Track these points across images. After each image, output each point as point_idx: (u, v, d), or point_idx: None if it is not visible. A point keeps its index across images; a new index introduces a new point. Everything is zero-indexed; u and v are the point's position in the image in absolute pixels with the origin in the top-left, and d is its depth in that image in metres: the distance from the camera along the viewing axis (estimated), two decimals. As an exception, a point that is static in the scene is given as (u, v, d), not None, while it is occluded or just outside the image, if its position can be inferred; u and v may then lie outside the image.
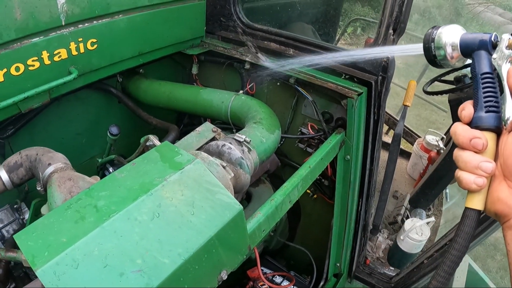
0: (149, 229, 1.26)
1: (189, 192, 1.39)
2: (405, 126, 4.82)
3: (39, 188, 1.69)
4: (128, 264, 1.18)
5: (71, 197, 1.43)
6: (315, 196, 2.99)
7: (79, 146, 2.86)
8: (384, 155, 4.40)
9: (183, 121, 3.30)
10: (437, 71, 2.66)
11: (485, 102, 0.92)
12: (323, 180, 2.83)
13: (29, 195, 2.45)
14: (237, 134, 1.87)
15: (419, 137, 4.91)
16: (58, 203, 1.47)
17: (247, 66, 2.74)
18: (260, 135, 1.98)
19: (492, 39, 0.98)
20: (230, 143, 1.78)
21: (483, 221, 2.30)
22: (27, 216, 2.18)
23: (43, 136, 2.63)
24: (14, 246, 1.99)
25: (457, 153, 0.91)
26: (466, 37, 1.06)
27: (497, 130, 0.91)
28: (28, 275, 2.09)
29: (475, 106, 0.94)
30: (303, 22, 3.66)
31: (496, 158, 0.90)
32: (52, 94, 2.18)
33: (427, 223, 3.43)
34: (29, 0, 1.87)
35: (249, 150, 1.83)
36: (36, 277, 1.92)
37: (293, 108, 2.78)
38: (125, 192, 1.35)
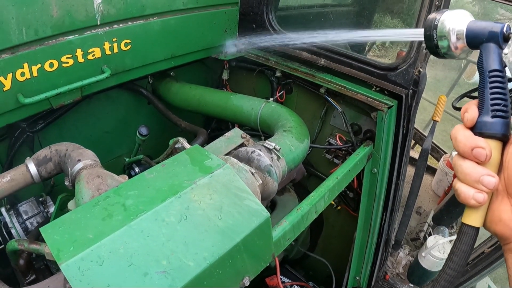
0: (176, 231, 1.26)
1: (217, 197, 1.39)
2: (433, 143, 4.77)
3: (67, 183, 1.71)
4: (153, 264, 1.17)
5: (99, 194, 1.46)
6: (338, 207, 2.96)
7: (106, 145, 2.90)
8: (409, 170, 4.35)
9: (211, 126, 3.32)
10: (467, 87, 2.62)
11: (492, 105, 0.81)
12: (348, 192, 2.80)
13: (54, 189, 2.49)
14: (267, 141, 1.86)
15: (445, 153, 4.84)
16: (85, 199, 1.48)
17: (278, 74, 2.75)
18: (290, 144, 1.96)
19: (504, 30, 0.86)
20: (260, 150, 1.77)
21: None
22: (51, 209, 2.21)
23: (72, 132, 2.67)
24: (38, 238, 2.02)
25: (456, 161, 0.82)
26: (474, 26, 0.93)
27: (504, 139, 0.81)
28: (49, 268, 2.12)
29: (480, 109, 0.83)
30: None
31: (499, 170, 0.81)
32: (84, 92, 2.21)
33: (450, 241, 3.37)
34: (66, -4, 1.92)
35: (278, 158, 1.82)
36: (57, 271, 1.95)
37: (322, 118, 2.76)
38: (154, 192, 1.35)
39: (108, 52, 2.16)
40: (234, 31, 2.87)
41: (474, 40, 0.92)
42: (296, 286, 2.89)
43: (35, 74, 1.95)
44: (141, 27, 2.25)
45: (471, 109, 0.83)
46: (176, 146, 1.91)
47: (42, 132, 2.48)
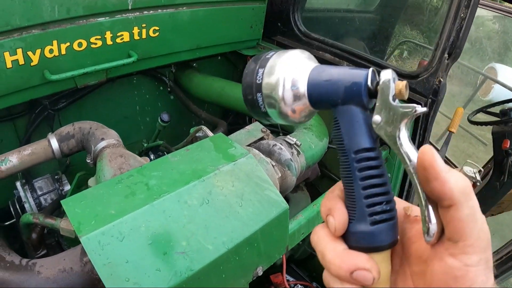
0: (197, 213, 1.28)
1: (239, 184, 1.40)
2: (446, 157, 4.77)
3: (88, 161, 1.73)
4: (173, 244, 1.19)
5: (121, 173, 1.48)
6: None
7: (124, 129, 2.91)
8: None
9: (229, 119, 3.33)
10: (481, 103, 2.63)
11: (369, 206, 0.56)
12: (359, 195, 2.81)
13: (69, 168, 2.52)
14: (288, 136, 1.88)
15: (456, 167, 4.84)
16: (107, 177, 1.50)
17: (299, 73, 2.74)
18: (310, 141, 1.98)
19: (369, 82, 0.58)
20: (281, 144, 1.79)
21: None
22: (66, 188, 2.23)
23: (92, 114, 2.68)
24: (52, 214, 2.04)
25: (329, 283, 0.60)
26: (320, 78, 0.63)
27: (393, 245, 0.57)
28: (61, 244, 2.14)
29: (352, 211, 0.57)
30: (357, 38, 3.66)
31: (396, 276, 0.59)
32: (109, 74, 2.25)
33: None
34: (102, -23, 1.94)
35: (298, 153, 1.83)
36: (68, 247, 1.97)
37: (340, 120, 2.75)
38: (177, 175, 1.37)
39: (136, 37, 2.18)
40: (260, 28, 2.90)
41: (322, 102, 0.63)
42: (300, 286, 2.90)
43: (63, 52, 1.98)
44: (170, 15, 2.28)
45: (337, 212, 0.58)
46: (197, 134, 1.93)
47: (62, 111, 2.51)
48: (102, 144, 1.67)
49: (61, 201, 1.26)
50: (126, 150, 1.66)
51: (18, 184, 2.16)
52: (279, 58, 0.65)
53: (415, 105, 0.53)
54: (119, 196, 1.26)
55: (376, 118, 0.56)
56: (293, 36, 2.86)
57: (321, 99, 0.62)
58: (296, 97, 0.63)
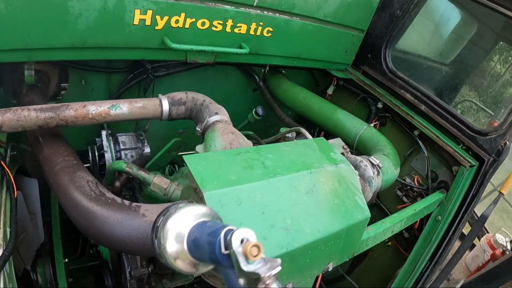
0: (302, 199, 1.45)
1: (337, 185, 1.57)
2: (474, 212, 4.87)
3: (198, 129, 1.88)
4: (280, 220, 1.36)
5: (231, 148, 1.66)
6: (389, 243, 3.09)
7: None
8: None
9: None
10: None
11: None
12: (403, 230, 2.94)
13: (146, 133, 2.68)
14: (372, 157, 2.04)
15: (488, 232, 4.94)
16: (218, 148, 1.66)
17: (379, 105, 2.95)
18: (387, 166, 2.13)
19: (222, 249, 0.64)
20: (366, 161, 1.95)
21: None
22: (146, 150, 2.35)
23: (181, 90, 2.84)
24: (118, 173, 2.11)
25: None
26: (199, 236, 0.73)
27: None
28: (137, 199, 2.18)
29: None
30: (428, 85, 3.81)
31: None
32: (217, 58, 2.42)
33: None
34: (239, -30, 2.12)
35: (378, 173, 1.99)
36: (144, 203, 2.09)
37: (405, 158, 2.92)
38: (288, 162, 1.54)
39: (251, 32, 2.37)
40: (353, 54, 3.08)
41: (204, 260, 0.72)
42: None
43: (186, 26, 2.16)
44: (285, 21, 2.47)
45: None
46: (287, 135, 2.11)
47: (158, 79, 2.66)
48: (215, 117, 1.83)
49: (184, 156, 1.42)
50: (236, 130, 1.82)
51: (103, 133, 2.30)
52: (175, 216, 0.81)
53: (260, 272, 0.61)
54: (238, 166, 1.43)
55: (240, 281, 0.63)
56: (380, 70, 3.04)
57: (202, 257, 0.73)
58: (178, 254, 0.77)
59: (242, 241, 0.65)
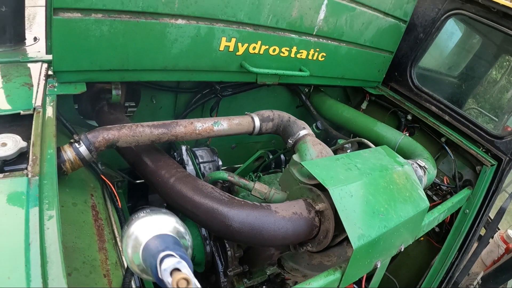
0: (387, 192, 1.89)
1: (406, 181, 2.02)
2: (489, 216, 5.28)
3: (290, 142, 2.23)
4: (378, 208, 1.80)
5: (321, 156, 2.08)
6: (421, 238, 3.45)
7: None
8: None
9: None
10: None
11: None
12: (434, 227, 3.32)
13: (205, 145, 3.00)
14: (419, 160, 2.48)
15: (499, 229, 5.37)
16: (313, 156, 2.08)
17: (409, 117, 3.43)
18: (429, 168, 2.56)
19: (158, 270, 0.69)
20: (416, 164, 2.39)
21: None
22: (219, 163, 2.63)
23: (236, 109, 3.24)
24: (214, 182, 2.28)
25: None
26: (149, 251, 0.78)
27: None
28: None
29: None
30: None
31: None
32: (280, 80, 2.83)
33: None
34: (304, 6, 2.52)
35: (424, 174, 2.43)
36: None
37: (434, 162, 3.36)
38: (371, 165, 1.99)
39: (310, 57, 2.80)
40: (383, 73, 3.56)
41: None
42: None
43: (261, 52, 2.53)
44: (335, 47, 2.91)
45: None
46: (345, 145, 2.54)
47: (223, 99, 3.02)
48: (304, 131, 2.22)
49: (302, 162, 1.83)
50: (320, 141, 2.22)
51: (183, 148, 2.54)
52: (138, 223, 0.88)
53: None
54: (341, 168, 1.87)
55: None
56: (406, 86, 3.52)
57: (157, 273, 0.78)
58: (140, 267, 0.85)
59: (174, 270, 0.72)
